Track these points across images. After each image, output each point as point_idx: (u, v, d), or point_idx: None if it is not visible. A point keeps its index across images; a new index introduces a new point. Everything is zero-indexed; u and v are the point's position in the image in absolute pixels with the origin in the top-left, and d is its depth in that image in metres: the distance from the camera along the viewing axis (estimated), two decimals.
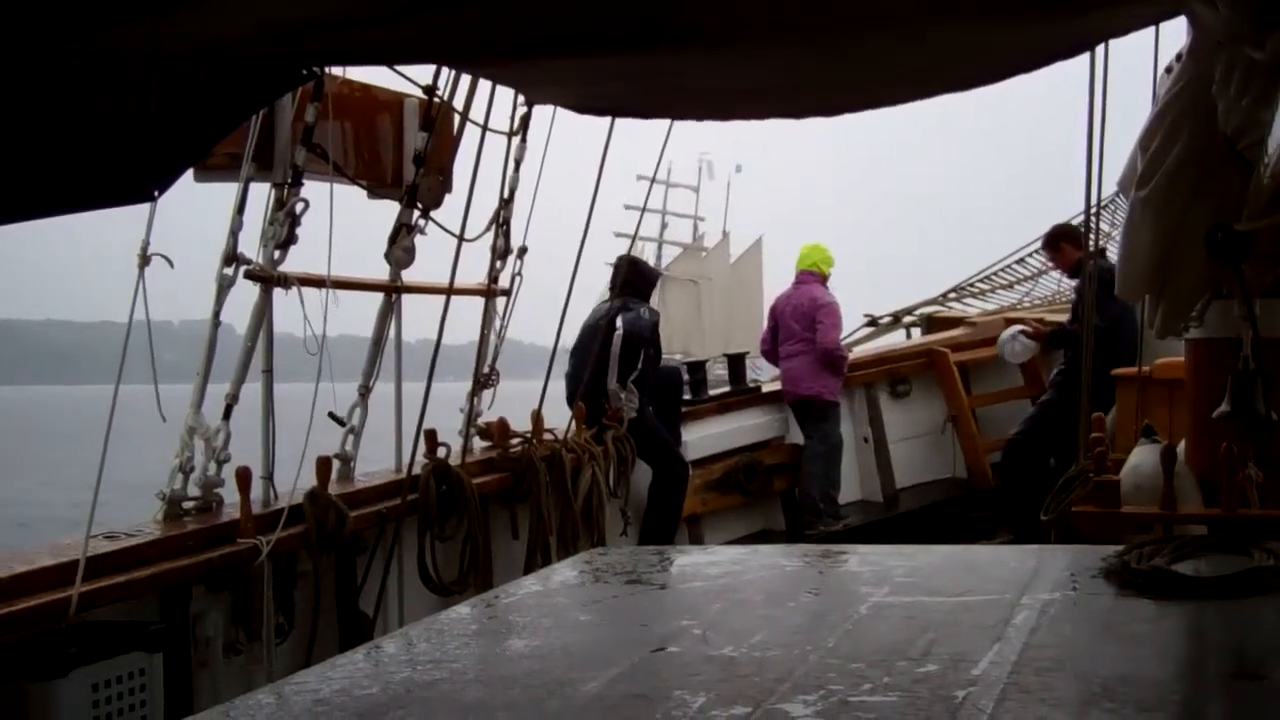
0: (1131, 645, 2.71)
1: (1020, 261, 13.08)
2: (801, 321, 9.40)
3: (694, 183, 79.09)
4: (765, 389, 9.82)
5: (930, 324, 11.89)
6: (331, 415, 5.67)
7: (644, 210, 12.34)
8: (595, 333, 8.01)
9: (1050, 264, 9.04)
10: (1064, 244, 8.78)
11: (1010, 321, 10.37)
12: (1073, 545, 4.39)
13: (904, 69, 3.61)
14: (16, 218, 3.20)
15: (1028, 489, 7.86)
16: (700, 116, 4.28)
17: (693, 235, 78.91)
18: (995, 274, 13.17)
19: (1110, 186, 6.45)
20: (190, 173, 4.25)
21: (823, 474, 9.24)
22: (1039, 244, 10.21)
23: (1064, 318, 9.25)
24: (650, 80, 3.61)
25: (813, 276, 9.58)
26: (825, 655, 2.60)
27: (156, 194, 3.46)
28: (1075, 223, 8.70)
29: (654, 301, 8.81)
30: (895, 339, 11.96)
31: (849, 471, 9.73)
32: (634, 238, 10.04)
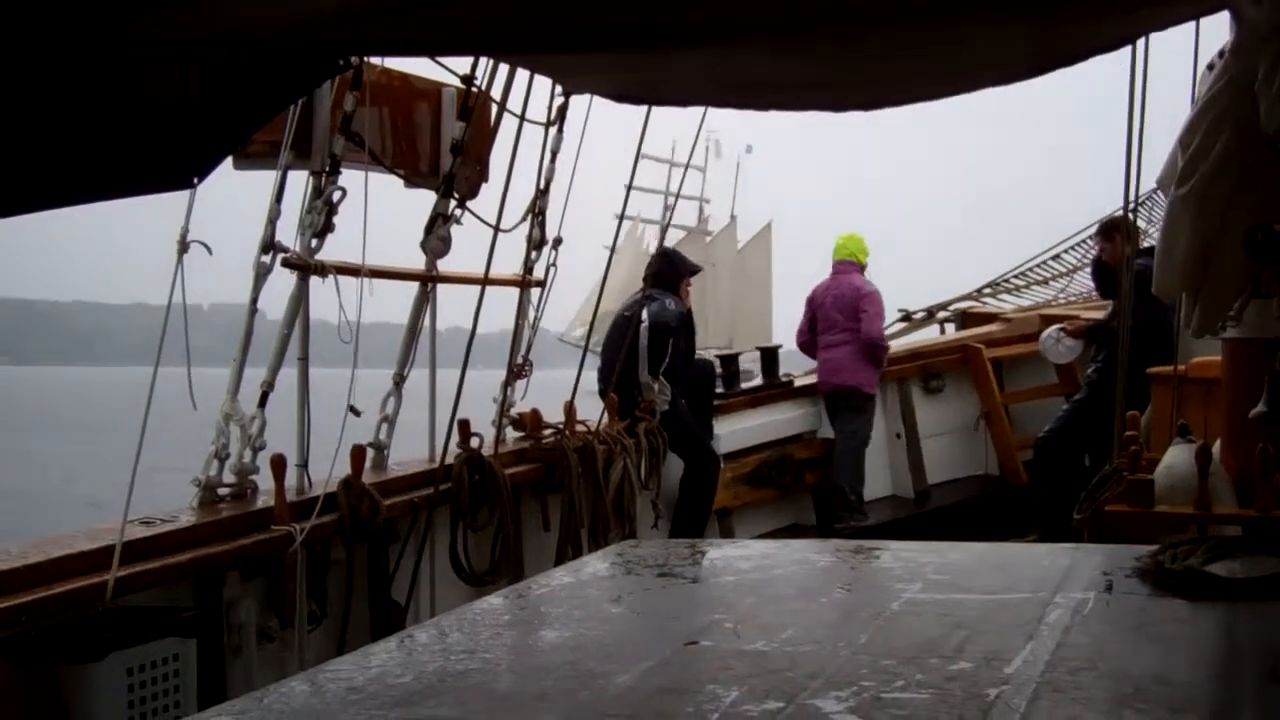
0: (1165, 645, 2.71)
1: (1055, 258, 13.01)
2: (844, 311, 9.27)
3: (699, 162, 76.61)
4: (798, 383, 9.79)
5: (964, 319, 11.85)
6: (351, 408, 5.59)
7: (676, 197, 12.31)
8: (625, 325, 8.02)
9: (1099, 253, 8.91)
10: (1118, 235, 8.62)
11: (1045, 319, 10.31)
12: (1106, 544, 4.38)
13: (943, 62, 3.59)
14: (57, 203, 3.23)
15: (1060, 487, 7.82)
16: (739, 105, 4.27)
17: (697, 218, 76.13)
18: (1030, 270, 13.10)
19: (1149, 183, 6.41)
20: (229, 160, 4.27)
21: (853, 467, 9.20)
22: (1090, 233, 10.06)
23: (1099, 315, 9.18)
24: (689, 69, 3.61)
25: (851, 266, 9.45)
26: (857, 651, 2.60)
27: (196, 181, 3.48)
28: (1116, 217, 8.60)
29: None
30: (929, 334, 11.92)
31: (880, 467, 9.70)
32: (666, 223, 10.01)
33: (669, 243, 11.22)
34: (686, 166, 11.39)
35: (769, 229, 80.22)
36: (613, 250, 9.91)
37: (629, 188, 7.12)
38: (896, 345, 11.05)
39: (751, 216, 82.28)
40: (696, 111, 6.86)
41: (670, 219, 29.55)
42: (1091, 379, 8.65)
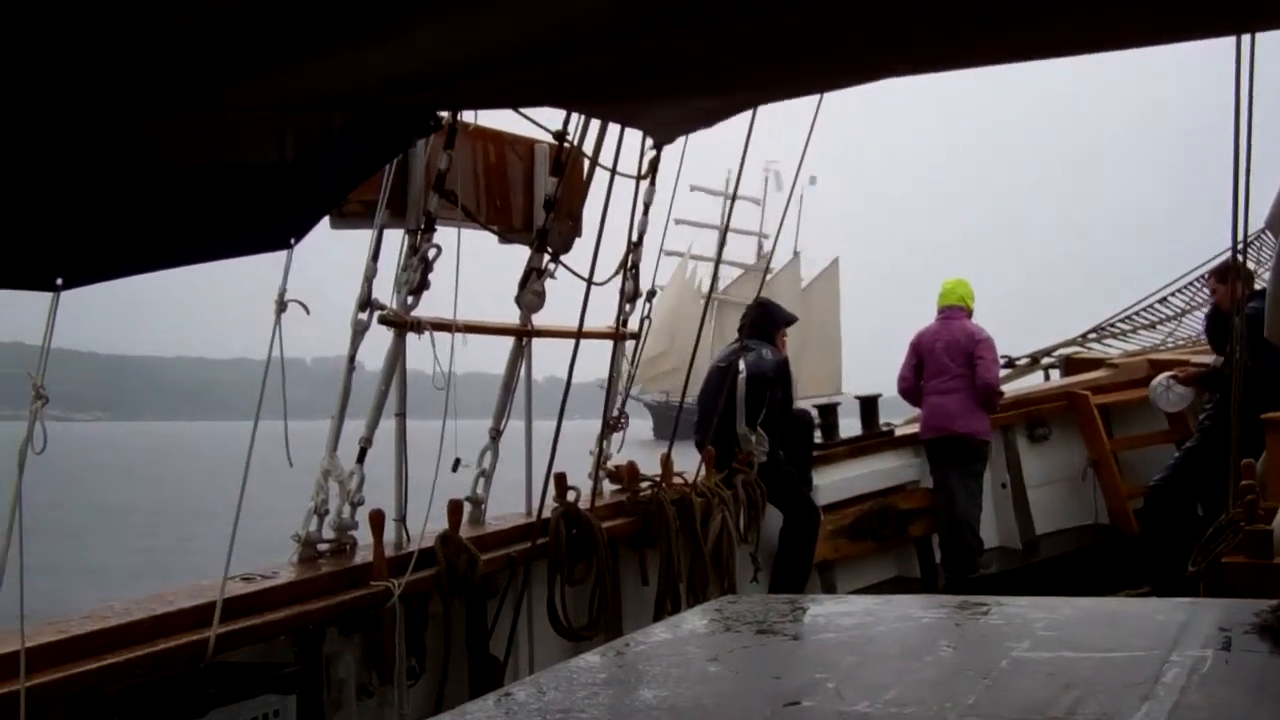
0: None
1: (1163, 301, 12.72)
2: (957, 357, 9.04)
3: (758, 195, 73.08)
4: (899, 432, 9.64)
5: (1069, 365, 11.59)
6: (455, 462, 5.57)
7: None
8: (721, 376, 7.97)
9: (1211, 295, 8.67)
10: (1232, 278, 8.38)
11: (1154, 363, 10.08)
12: (1223, 599, 4.24)
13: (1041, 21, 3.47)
14: (157, 266, 3.28)
15: (1173, 537, 7.61)
16: (840, 86, 4.16)
17: (756, 254, 72.91)
18: (1137, 314, 12.81)
19: (1257, 223, 6.25)
20: (326, 219, 4.32)
21: (979, 514, 8.96)
22: (1206, 275, 9.84)
23: (1209, 358, 8.94)
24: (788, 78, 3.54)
25: (960, 311, 9.20)
26: (964, 713, 2.51)
27: (293, 241, 3.52)
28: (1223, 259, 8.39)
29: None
30: (1033, 381, 11.69)
31: (987, 518, 9.46)
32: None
33: (724, 281, 11.11)
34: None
35: (836, 265, 77.09)
36: (708, 301, 9.91)
37: (723, 238, 7.09)
38: None
39: (816, 252, 79.52)
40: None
41: (720, 255, 28.48)
42: (1205, 425, 8.41)
